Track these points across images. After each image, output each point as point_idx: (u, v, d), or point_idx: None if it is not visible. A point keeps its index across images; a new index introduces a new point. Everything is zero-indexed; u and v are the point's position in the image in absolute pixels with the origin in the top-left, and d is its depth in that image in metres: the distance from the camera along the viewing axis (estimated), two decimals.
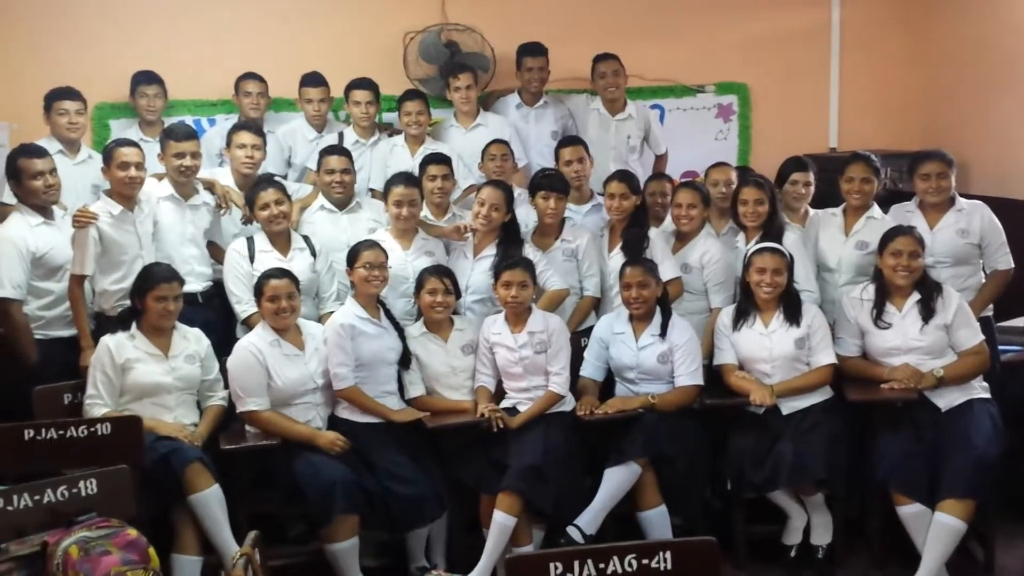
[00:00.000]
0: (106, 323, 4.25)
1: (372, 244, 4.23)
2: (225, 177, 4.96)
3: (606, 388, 4.40)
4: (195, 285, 4.58)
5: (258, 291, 4.12)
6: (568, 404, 4.19)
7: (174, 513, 3.80)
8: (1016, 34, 5.65)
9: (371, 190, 5.28)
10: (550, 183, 4.63)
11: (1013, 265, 4.48)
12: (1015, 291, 4.92)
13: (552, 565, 2.14)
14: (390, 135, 5.55)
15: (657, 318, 4.26)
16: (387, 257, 4.23)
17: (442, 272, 4.24)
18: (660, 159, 5.96)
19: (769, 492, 4.08)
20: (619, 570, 2.17)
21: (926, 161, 4.46)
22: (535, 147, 5.67)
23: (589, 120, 5.75)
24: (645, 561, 2.17)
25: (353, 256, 4.19)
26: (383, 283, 4.20)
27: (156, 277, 4.04)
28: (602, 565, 2.16)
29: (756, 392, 4.12)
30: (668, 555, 2.19)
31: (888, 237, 4.17)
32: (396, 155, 5.35)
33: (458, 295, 4.31)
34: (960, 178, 6.12)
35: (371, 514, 3.92)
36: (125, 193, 4.35)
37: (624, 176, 4.72)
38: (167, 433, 3.90)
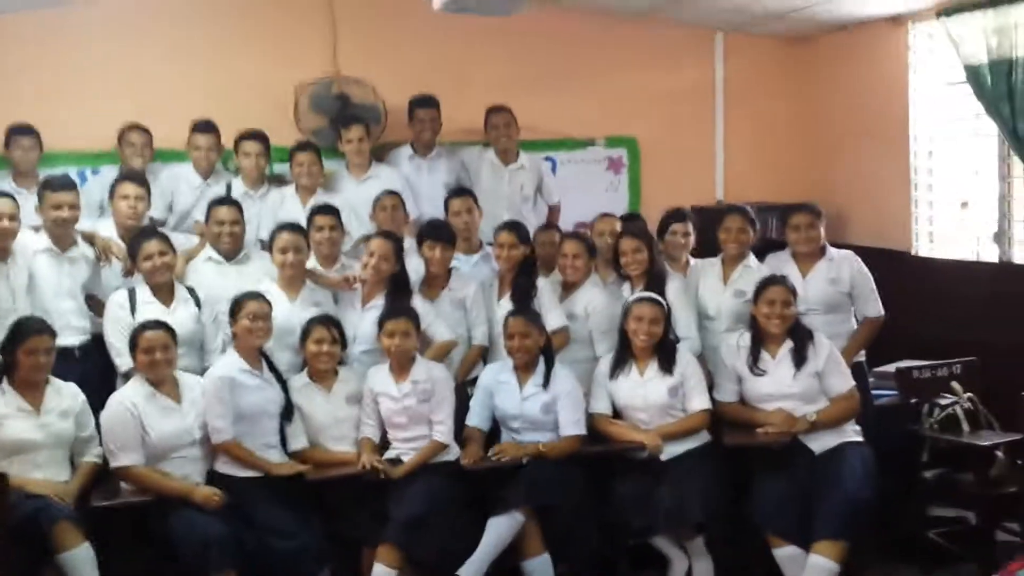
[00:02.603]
0: None
1: (256, 295, 4.20)
2: (108, 228, 4.88)
3: (492, 437, 4.41)
4: (72, 339, 4.48)
5: (133, 343, 4.04)
6: (453, 454, 4.20)
7: (43, 574, 3.66)
8: (886, 96, 5.93)
9: (260, 241, 5.25)
10: (436, 233, 4.68)
11: (883, 312, 4.66)
12: (889, 337, 5.13)
13: None
14: (279, 186, 5.53)
15: (541, 368, 4.30)
16: (271, 308, 4.21)
17: (329, 321, 4.24)
18: (553, 209, 6.05)
19: (650, 537, 4.14)
20: None
21: (796, 213, 4.64)
22: (428, 198, 5.69)
23: (482, 170, 5.83)
24: None
25: (236, 307, 4.16)
26: (266, 335, 4.17)
27: (26, 330, 3.94)
28: None
29: (648, 440, 4.18)
30: None
31: (762, 286, 4.31)
32: (287, 206, 5.33)
33: (344, 345, 4.29)
34: (838, 229, 6.42)
35: (249, 570, 3.84)
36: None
37: (513, 226, 4.79)
38: (37, 491, 3.79)
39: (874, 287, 4.65)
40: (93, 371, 4.50)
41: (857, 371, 4.55)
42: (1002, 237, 5.26)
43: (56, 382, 4.07)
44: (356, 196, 5.43)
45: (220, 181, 5.43)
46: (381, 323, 4.21)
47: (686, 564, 4.21)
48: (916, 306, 5.62)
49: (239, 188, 5.37)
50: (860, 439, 4.25)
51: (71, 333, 4.49)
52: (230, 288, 4.63)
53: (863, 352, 4.70)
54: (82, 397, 4.13)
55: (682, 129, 6.69)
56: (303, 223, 4.81)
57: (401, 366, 4.20)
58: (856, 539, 3.96)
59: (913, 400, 4.62)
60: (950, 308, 5.36)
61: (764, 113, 6.78)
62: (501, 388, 4.32)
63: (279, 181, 5.63)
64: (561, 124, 6.46)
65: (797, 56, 6.74)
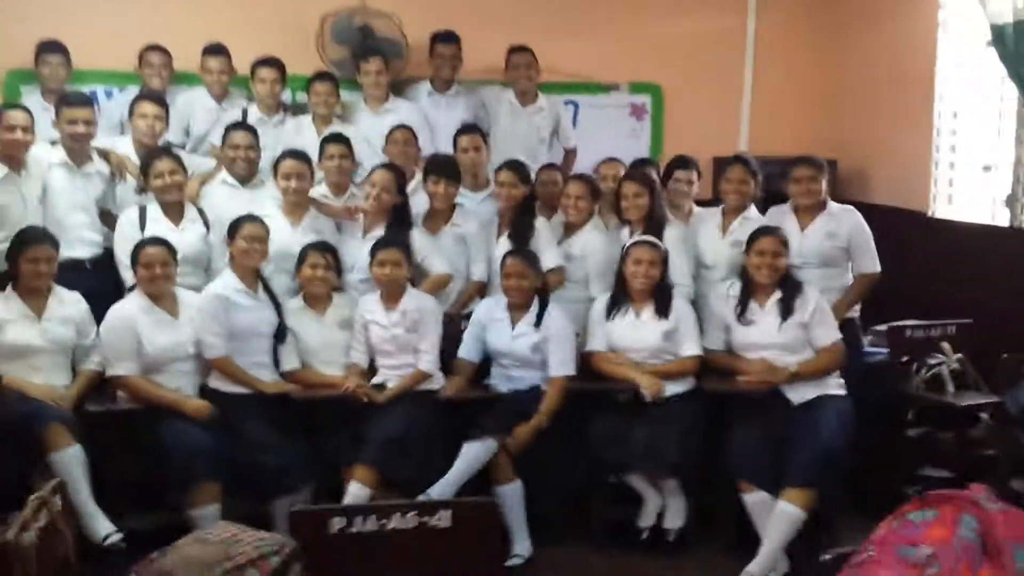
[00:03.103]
0: None
1: (253, 218, 4.31)
2: (126, 147, 5.02)
3: (485, 370, 4.50)
4: (83, 252, 4.65)
5: (134, 259, 4.18)
6: (437, 383, 4.30)
7: (34, 477, 3.83)
8: (914, 55, 5.83)
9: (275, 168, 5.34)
10: (440, 168, 4.74)
11: (879, 269, 4.63)
12: (899, 297, 5.11)
13: (334, 519, 2.24)
14: (294, 114, 5.62)
15: (535, 308, 4.36)
16: (268, 232, 4.31)
17: (324, 248, 4.34)
18: (569, 153, 6.07)
19: (624, 474, 4.22)
20: (399, 526, 2.27)
21: (798, 166, 4.61)
22: (445, 134, 5.68)
23: (501, 110, 5.85)
24: (425, 519, 2.28)
25: (233, 229, 4.27)
26: (261, 257, 4.28)
27: (28, 239, 4.09)
28: (383, 521, 2.27)
29: (646, 383, 4.23)
30: (448, 514, 2.29)
31: (754, 237, 4.32)
32: (303, 135, 5.41)
33: (340, 272, 4.39)
34: (859, 186, 6.38)
35: (234, 482, 3.99)
36: (10, 155, 4.39)
37: (514, 165, 4.83)
38: (35, 394, 3.95)
39: (872, 244, 4.62)
40: (103, 284, 4.64)
41: (848, 327, 4.55)
42: (1015, 202, 5.17)
43: (60, 291, 4.22)
44: (372, 128, 5.50)
45: (236, 106, 5.52)
46: (373, 252, 4.30)
47: (659, 504, 4.28)
48: (928, 267, 5.60)
49: (254, 114, 5.47)
50: (841, 392, 4.26)
51: (82, 246, 4.66)
52: (242, 212, 4.74)
53: (857, 308, 4.68)
54: (85, 306, 4.27)
55: (709, 79, 6.64)
56: (317, 152, 4.90)
57: (391, 295, 4.29)
58: (824, 489, 3.99)
59: (904, 359, 4.61)
60: (960, 270, 5.33)
61: (793, 67, 6.70)
62: (494, 324, 4.39)
63: (301, 110, 5.72)
64: (585, 67, 6.45)
65: (830, 11, 6.63)
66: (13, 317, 4.08)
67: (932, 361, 4.49)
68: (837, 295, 4.58)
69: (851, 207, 4.70)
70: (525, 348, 4.30)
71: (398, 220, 4.67)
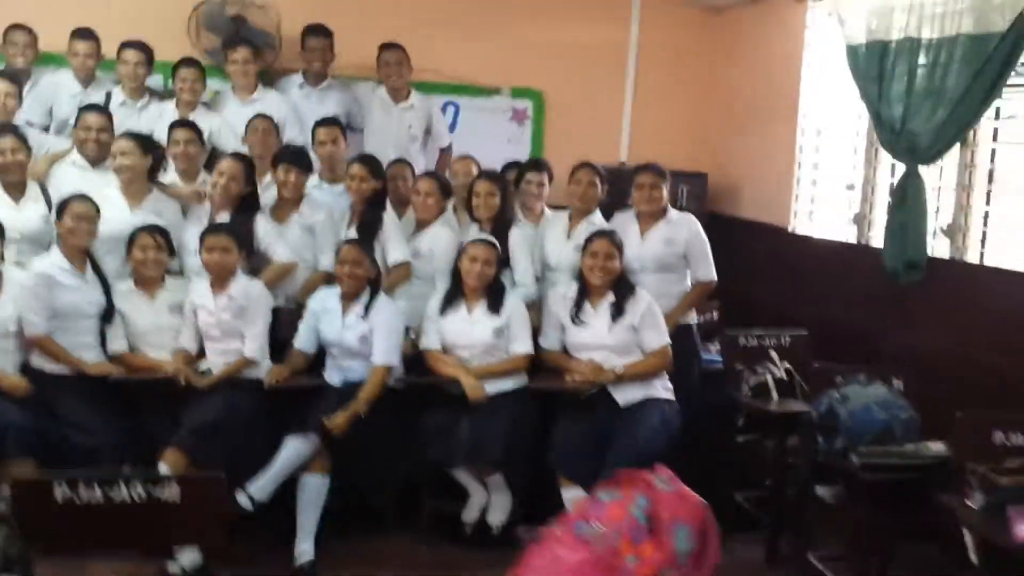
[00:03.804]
0: None
1: (83, 197, 4.27)
2: None
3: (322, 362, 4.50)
4: None
5: None
6: (263, 371, 4.29)
7: None
8: (781, 73, 5.96)
9: None
10: (290, 158, 4.75)
11: (714, 277, 4.74)
12: (755, 308, 5.26)
13: (58, 489, 2.23)
14: (160, 100, 5.58)
15: (364, 298, 4.37)
16: (97, 212, 4.27)
17: (155, 230, 4.31)
18: (444, 153, 6.10)
19: (448, 468, 4.24)
20: (127, 498, 2.26)
21: (640, 173, 4.70)
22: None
23: (373, 106, 5.87)
24: (153, 491, 2.27)
25: (62, 207, 4.23)
26: (88, 237, 4.25)
27: None
28: (110, 492, 2.26)
29: (467, 384, 4.26)
30: (176, 488, 2.29)
31: (589, 239, 4.39)
32: (165, 119, 5.34)
33: (171, 253, 4.37)
34: (730, 201, 6.50)
35: (47, 460, 3.93)
36: None
37: (366, 159, 4.86)
38: None
39: (708, 252, 4.72)
40: None
41: (684, 333, 4.65)
42: (863, 220, 5.30)
43: None
44: (237, 117, 5.47)
45: (100, 90, 5.47)
46: (202, 238, 4.28)
47: (484, 498, 4.31)
48: (783, 280, 5.74)
49: (119, 97, 5.43)
50: (668, 396, 4.34)
51: None
52: (90, 193, 4.72)
53: (693, 314, 4.77)
54: None
55: (591, 87, 6.71)
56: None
57: (219, 280, 4.28)
58: None
59: (738, 367, 4.70)
60: (810, 283, 5.47)
61: (674, 80, 6.80)
62: (326, 315, 4.39)
63: (169, 96, 5.68)
64: (467, 70, 6.49)
65: (711, 26, 6.75)
66: None
67: (760, 370, 4.57)
68: (674, 301, 4.67)
69: (691, 215, 4.80)
70: (354, 339, 4.31)
71: (245, 208, 4.66)
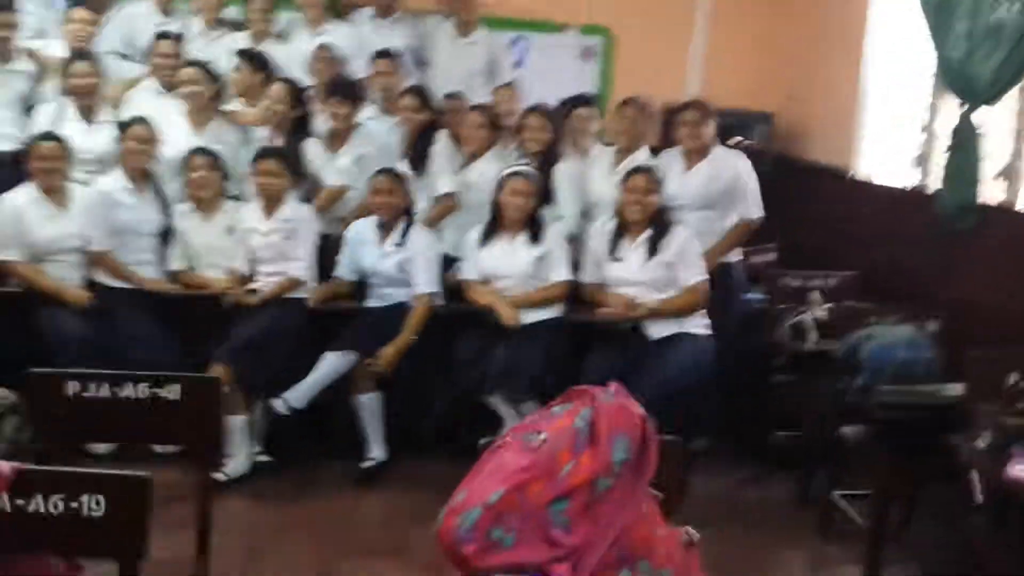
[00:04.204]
0: None
1: (143, 120, 4.50)
2: (60, 50, 5.19)
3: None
4: (4, 145, 4.85)
5: (28, 152, 4.37)
6: (308, 291, 4.46)
7: None
8: (851, 12, 5.79)
9: None
10: (340, 90, 4.87)
11: (758, 215, 4.70)
12: (814, 252, 5.18)
13: (69, 383, 2.42)
14: (234, 30, 5.75)
15: (401, 227, 4.49)
16: (156, 136, 4.50)
17: (205, 152, 4.50)
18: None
19: (482, 396, 4.36)
20: (131, 395, 2.45)
21: (685, 109, 4.67)
22: None
23: (440, 40, 5.92)
24: (156, 390, 2.45)
25: (123, 129, 4.46)
26: (147, 159, 4.47)
27: None
28: (116, 389, 2.45)
29: (504, 312, 4.35)
30: (177, 387, 2.47)
31: (627, 175, 4.41)
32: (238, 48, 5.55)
33: (225, 176, 4.55)
34: (796, 142, 6.39)
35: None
36: None
37: (416, 91, 4.95)
38: None
39: (755, 190, 4.68)
40: (24, 177, 4.85)
41: (724, 271, 4.65)
42: (925, 162, 5.18)
43: None
44: (306, 48, 5.61)
45: (178, 20, 5.65)
46: (254, 161, 4.46)
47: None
48: (840, 225, 5.64)
49: (197, 27, 5.62)
50: (703, 332, 4.36)
51: (4, 140, 4.86)
52: (162, 117, 4.94)
53: (736, 253, 4.76)
54: None
55: (660, 25, 6.63)
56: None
57: (270, 203, 4.45)
58: (661, 420, 4.08)
59: (782, 306, 4.69)
60: (866, 229, 5.37)
61: (744, 18, 6.67)
62: (364, 244, 4.52)
63: (241, 27, 5.85)
64: (536, 5, 6.50)
65: None
66: None
67: (801, 310, 4.55)
68: (715, 239, 4.66)
69: (738, 152, 4.76)
70: (391, 266, 4.44)
71: (298, 133, 4.80)
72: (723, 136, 5.03)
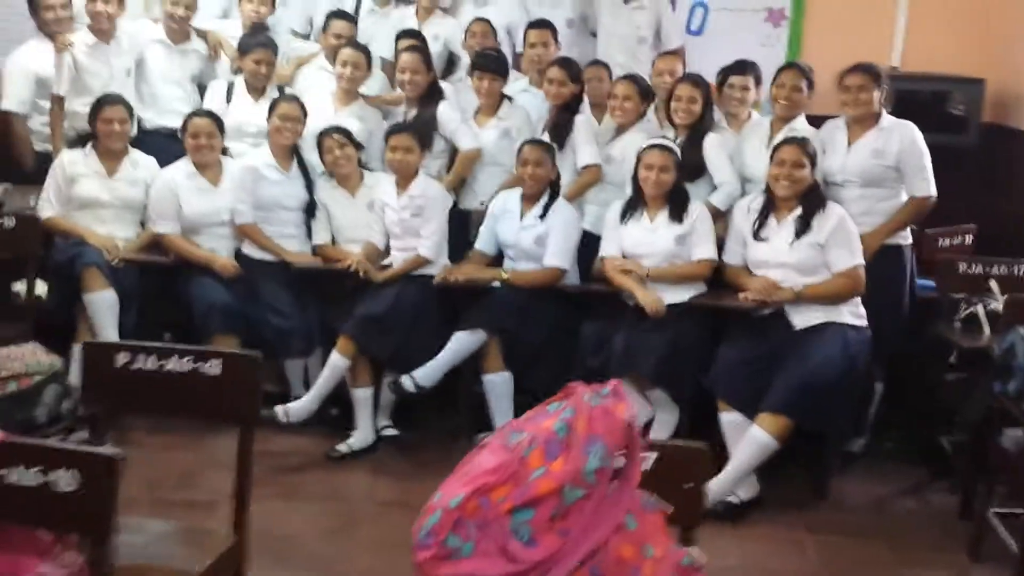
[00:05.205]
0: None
1: (291, 98, 4.60)
2: (234, 29, 5.42)
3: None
4: (176, 122, 5.10)
5: (184, 128, 4.57)
6: (436, 268, 4.41)
7: (76, 308, 4.38)
8: None
9: (381, 59, 5.57)
10: (484, 63, 4.77)
11: (932, 193, 4.18)
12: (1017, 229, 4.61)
13: (119, 354, 2.48)
14: (405, 4, 5.78)
15: (544, 200, 4.36)
16: (303, 114, 4.57)
17: (336, 130, 4.53)
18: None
19: (605, 378, 4.14)
20: (175, 368, 2.48)
21: (849, 73, 4.21)
22: None
23: (603, 7, 5.70)
24: (198, 365, 2.47)
25: (272, 107, 4.56)
26: (292, 136, 4.55)
27: (103, 102, 4.57)
28: (162, 362, 2.48)
29: (646, 301, 4.13)
30: (219, 363, 2.46)
31: (777, 147, 4.05)
32: (405, 24, 5.57)
33: (358, 148, 4.58)
34: (1008, 110, 5.69)
35: (248, 338, 4.35)
36: (97, 27, 4.90)
37: (564, 63, 4.77)
38: (92, 242, 4.46)
39: (927, 164, 4.17)
40: None
41: (893, 255, 4.20)
42: None
43: (136, 154, 4.70)
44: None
45: None
46: (386, 138, 4.45)
47: (649, 413, 4.20)
48: None
49: (368, 5, 5.69)
50: (856, 323, 3.95)
51: (175, 117, 5.09)
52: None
53: (907, 235, 4.28)
54: (158, 171, 4.72)
55: None
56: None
57: (403, 179, 4.44)
58: (801, 419, 3.76)
59: (957, 296, 4.18)
60: None
61: None
62: (505, 216, 4.43)
63: (411, 1, 5.88)
64: None
65: None
66: (87, 172, 4.59)
67: (976, 300, 4.04)
68: (882, 219, 4.20)
69: (908, 123, 4.23)
70: (529, 240, 4.31)
71: (429, 100, 4.76)
72: (927, 105, 4.47)
